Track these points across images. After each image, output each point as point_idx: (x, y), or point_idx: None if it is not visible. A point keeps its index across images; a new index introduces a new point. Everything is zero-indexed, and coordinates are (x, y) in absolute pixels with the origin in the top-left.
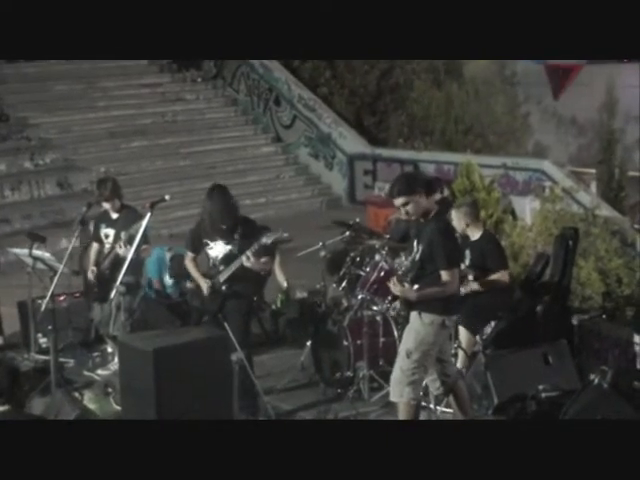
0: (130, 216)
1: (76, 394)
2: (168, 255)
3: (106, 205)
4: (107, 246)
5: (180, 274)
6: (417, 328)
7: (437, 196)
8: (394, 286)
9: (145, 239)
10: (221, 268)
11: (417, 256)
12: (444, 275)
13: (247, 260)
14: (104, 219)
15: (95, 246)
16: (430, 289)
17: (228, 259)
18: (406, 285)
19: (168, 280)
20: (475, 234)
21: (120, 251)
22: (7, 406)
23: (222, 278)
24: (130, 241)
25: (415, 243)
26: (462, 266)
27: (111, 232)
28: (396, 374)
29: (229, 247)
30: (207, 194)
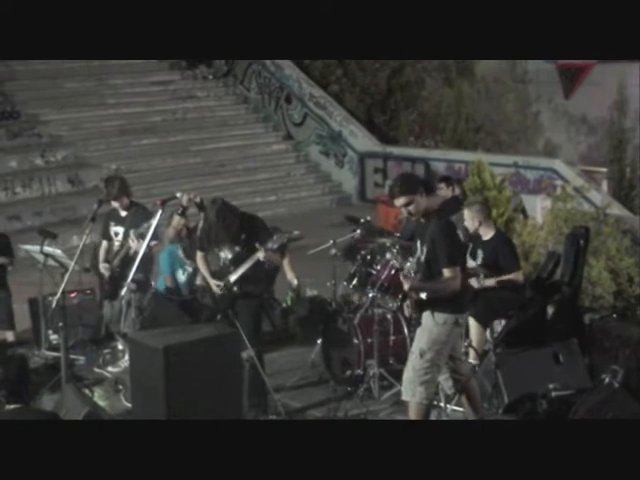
0: (139, 214)
1: (86, 391)
2: (180, 250)
3: (114, 204)
4: (116, 244)
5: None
6: (430, 328)
7: (449, 194)
8: (404, 282)
9: (155, 235)
10: (231, 269)
11: (422, 257)
12: (445, 272)
13: (264, 257)
14: (113, 217)
15: (105, 244)
16: (433, 283)
17: (237, 259)
18: (413, 280)
19: (181, 276)
20: (487, 234)
21: (132, 246)
22: (18, 404)
23: (232, 279)
24: (141, 239)
25: (419, 244)
26: (474, 264)
27: (120, 230)
28: (408, 373)
29: (237, 248)
30: (207, 207)
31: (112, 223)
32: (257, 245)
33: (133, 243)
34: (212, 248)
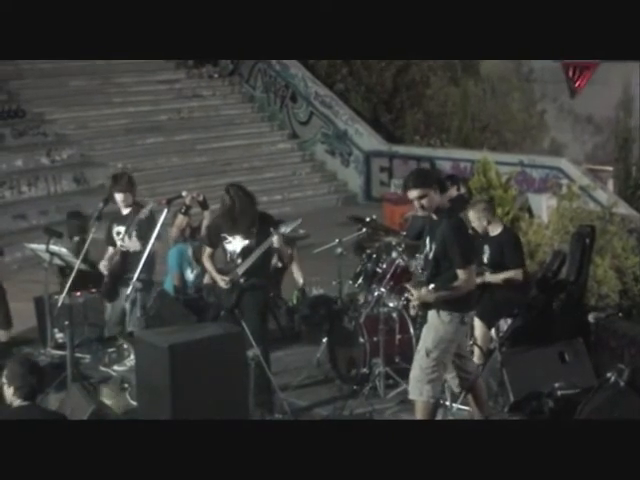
0: (140, 211)
1: (92, 389)
2: (190, 250)
3: (119, 197)
4: (119, 243)
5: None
6: (436, 326)
7: (454, 193)
8: (413, 292)
9: (158, 235)
10: (239, 262)
11: (431, 255)
12: (460, 274)
13: (277, 242)
14: (116, 219)
15: (110, 250)
16: (447, 291)
17: (246, 253)
18: (423, 290)
19: (190, 275)
20: (495, 230)
21: (124, 244)
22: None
23: (240, 271)
24: (140, 234)
25: (428, 241)
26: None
27: (122, 229)
28: (415, 372)
29: (247, 241)
30: (225, 192)
31: (115, 224)
32: (271, 229)
33: (124, 243)
34: (226, 235)
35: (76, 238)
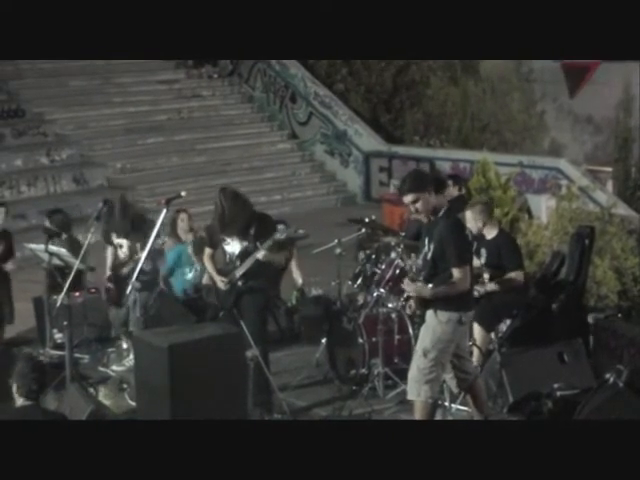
0: (143, 225)
1: (91, 390)
2: (190, 248)
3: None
4: (122, 255)
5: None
6: (434, 326)
7: (455, 193)
8: (407, 286)
9: (158, 234)
10: (237, 264)
11: (429, 255)
12: (455, 272)
13: (263, 257)
14: (114, 228)
15: (110, 249)
16: (442, 287)
17: (244, 255)
18: (418, 284)
19: (188, 274)
20: (490, 233)
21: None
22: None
23: (238, 274)
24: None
25: (426, 241)
26: (478, 264)
27: (124, 242)
28: (413, 373)
29: (245, 243)
30: (217, 196)
31: (114, 234)
32: (257, 244)
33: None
34: (224, 237)
35: (63, 236)
